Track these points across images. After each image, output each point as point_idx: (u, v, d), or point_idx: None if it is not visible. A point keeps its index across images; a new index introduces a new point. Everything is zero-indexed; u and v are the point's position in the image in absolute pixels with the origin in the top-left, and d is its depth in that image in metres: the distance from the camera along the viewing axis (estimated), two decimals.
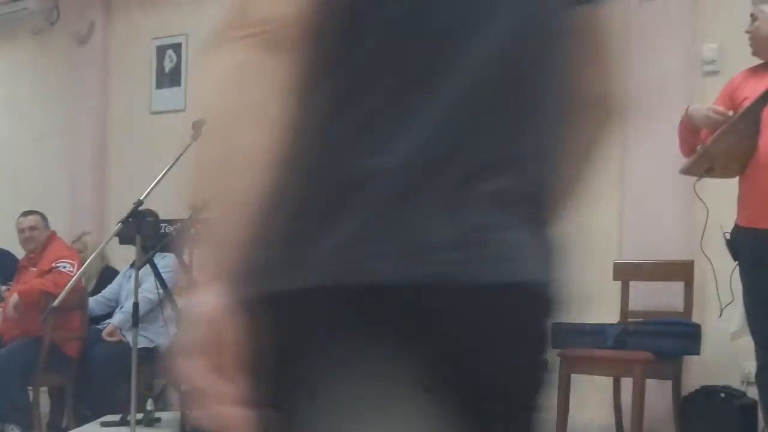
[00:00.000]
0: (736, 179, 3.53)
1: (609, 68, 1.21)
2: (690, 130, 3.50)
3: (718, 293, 4.11)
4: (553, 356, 4.58)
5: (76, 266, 5.18)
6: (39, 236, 5.39)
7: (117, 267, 5.93)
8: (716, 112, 3.39)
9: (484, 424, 1.02)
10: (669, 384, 4.36)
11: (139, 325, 4.21)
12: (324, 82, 1.00)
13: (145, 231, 4.31)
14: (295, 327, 0.99)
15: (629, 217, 4.73)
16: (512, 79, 1.03)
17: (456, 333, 0.99)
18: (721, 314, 4.11)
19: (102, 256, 5.97)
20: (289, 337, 0.99)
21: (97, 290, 5.77)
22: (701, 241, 4.05)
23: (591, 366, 4.25)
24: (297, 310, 0.98)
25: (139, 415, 4.41)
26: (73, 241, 5.96)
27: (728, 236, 3.50)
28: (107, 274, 5.87)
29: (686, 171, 3.56)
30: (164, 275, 5.10)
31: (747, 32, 3.55)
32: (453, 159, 0.99)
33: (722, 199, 4.55)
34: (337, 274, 0.96)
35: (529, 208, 1.07)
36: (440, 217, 0.97)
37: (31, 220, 5.44)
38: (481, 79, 1.00)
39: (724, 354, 4.43)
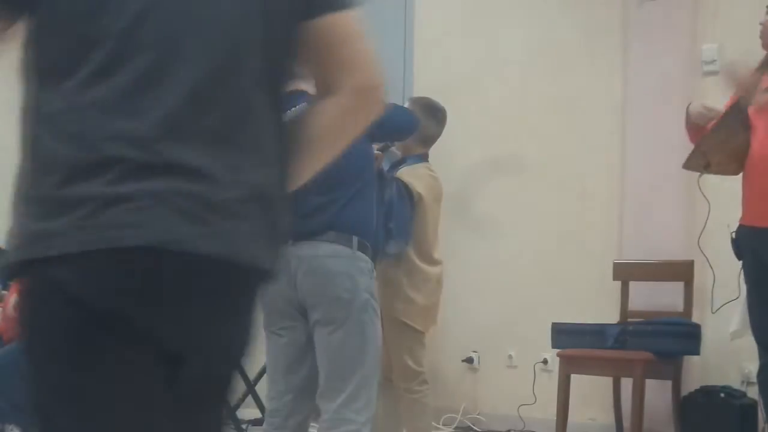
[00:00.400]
0: (740, 177, 3.53)
1: (359, 64, 1.37)
2: (692, 127, 3.50)
3: (712, 291, 4.09)
4: (553, 356, 4.59)
5: None
6: None
7: None
8: (706, 108, 3.39)
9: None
10: (669, 384, 4.36)
11: None
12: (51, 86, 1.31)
13: None
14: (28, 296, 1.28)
15: (629, 217, 4.73)
16: (231, 81, 1.24)
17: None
18: (713, 311, 4.12)
19: None
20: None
21: None
22: (699, 239, 4.05)
23: (591, 366, 4.25)
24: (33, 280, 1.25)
25: None
26: None
27: (734, 235, 3.49)
28: None
29: (685, 166, 3.55)
30: None
31: (760, 23, 3.53)
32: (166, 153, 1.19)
33: (723, 198, 4.55)
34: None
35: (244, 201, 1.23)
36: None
37: None
38: (200, 81, 1.22)
39: (724, 354, 4.43)
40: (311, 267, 2.77)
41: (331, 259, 2.77)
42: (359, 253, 2.81)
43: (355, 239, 2.80)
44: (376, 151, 3.69)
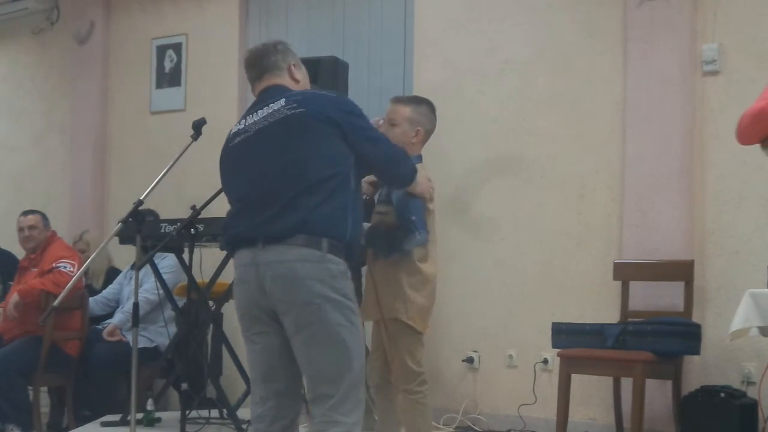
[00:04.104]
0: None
1: None
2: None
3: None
4: (553, 356, 4.59)
5: (76, 266, 5.17)
6: (38, 236, 5.38)
7: (120, 268, 5.93)
8: None
9: None
10: (669, 384, 4.36)
11: (140, 325, 4.21)
12: None
13: (145, 231, 4.31)
14: None
15: (629, 217, 4.73)
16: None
17: None
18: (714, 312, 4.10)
19: (108, 257, 5.97)
20: None
21: (104, 289, 5.78)
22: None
23: (591, 366, 4.25)
24: None
25: (139, 415, 4.41)
26: (75, 242, 5.96)
27: None
28: (112, 275, 5.87)
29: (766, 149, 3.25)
30: (164, 276, 5.11)
31: None
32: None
33: (723, 198, 4.56)
34: None
35: None
36: None
37: (31, 219, 5.43)
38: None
39: (724, 354, 4.44)
40: (279, 272, 2.69)
41: (299, 264, 2.68)
42: (330, 256, 2.70)
43: (325, 241, 2.69)
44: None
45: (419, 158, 3.62)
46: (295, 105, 2.79)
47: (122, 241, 4.89)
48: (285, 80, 2.98)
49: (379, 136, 3.00)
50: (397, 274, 3.47)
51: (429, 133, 3.66)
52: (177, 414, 4.55)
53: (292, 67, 3.01)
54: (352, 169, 2.81)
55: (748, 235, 4.47)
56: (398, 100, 3.69)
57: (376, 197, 3.64)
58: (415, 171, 3.16)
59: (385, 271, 3.48)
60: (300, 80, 3.04)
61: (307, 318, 2.68)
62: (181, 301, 5.05)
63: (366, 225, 3.46)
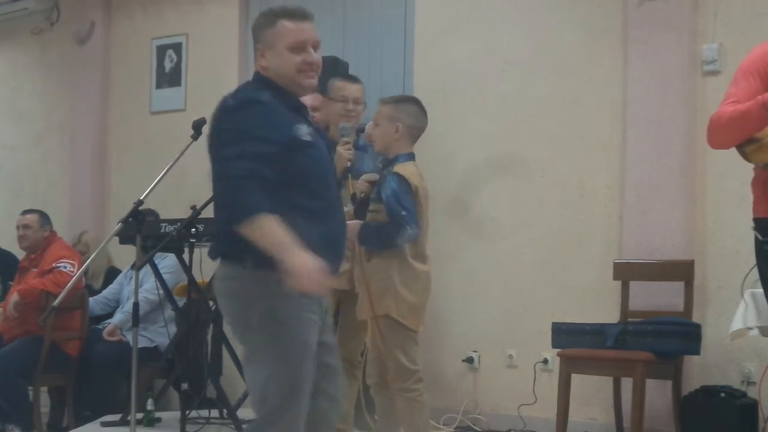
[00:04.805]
0: (740, 177, 3.46)
1: None
2: (759, 121, 2.93)
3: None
4: (553, 356, 4.59)
5: (76, 266, 5.17)
6: (32, 235, 5.37)
7: (120, 268, 5.94)
8: None
9: None
10: (669, 384, 4.36)
11: (140, 325, 4.21)
12: None
13: (145, 231, 4.31)
14: None
15: (629, 217, 4.73)
16: None
17: None
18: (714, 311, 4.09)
19: (108, 257, 5.98)
20: None
21: (104, 289, 5.79)
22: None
23: (591, 366, 4.25)
24: None
25: (139, 415, 4.41)
26: (74, 243, 5.96)
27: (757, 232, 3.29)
28: (112, 275, 5.88)
29: (751, 158, 3.14)
30: (165, 276, 5.11)
31: None
32: None
33: (723, 198, 4.56)
34: None
35: None
36: None
37: (28, 218, 5.43)
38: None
39: (724, 354, 4.44)
40: (217, 289, 2.63)
41: (223, 282, 2.58)
42: (258, 273, 2.45)
43: (248, 258, 2.45)
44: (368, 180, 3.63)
45: (410, 156, 3.61)
46: (212, 117, 2.56)
47: (122, 241, 4.89)
48: (258, 67, 2.63)
49: (227, 156, 2.45)
50: (389, 271, 3.46)
51: (413, 128, 3.61)
52: (177, 414, 4.55)
53: (258, 52, 2.61)
54: (274, 184, 2.44)
55: (748, 235, 4.43)
56: (381, 101, 3.70)
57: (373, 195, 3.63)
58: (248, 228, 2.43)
59: (377, 268, 3.47)
60: (266, 67, 2.58)
61: (239, 336, 2.60)
62: (181, 301, 5.05)
63: (356, 222, 3.47)
